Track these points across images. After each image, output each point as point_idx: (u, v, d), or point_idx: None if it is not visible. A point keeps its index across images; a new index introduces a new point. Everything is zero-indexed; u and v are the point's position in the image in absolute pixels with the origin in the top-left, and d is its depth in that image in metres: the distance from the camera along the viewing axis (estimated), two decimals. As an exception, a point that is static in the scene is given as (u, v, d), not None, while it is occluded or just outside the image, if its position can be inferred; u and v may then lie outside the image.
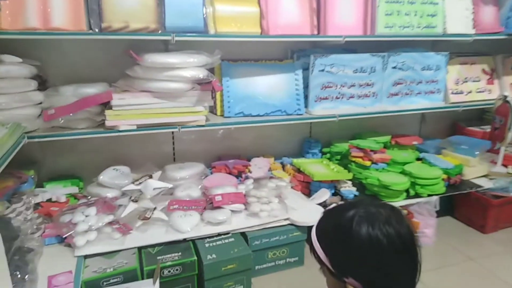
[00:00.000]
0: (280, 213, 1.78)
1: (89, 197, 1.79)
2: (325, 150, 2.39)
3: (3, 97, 1.49)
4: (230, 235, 1.69)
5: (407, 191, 2.05)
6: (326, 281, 0.79)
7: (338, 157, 2.35)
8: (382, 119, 2.27)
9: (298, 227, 1.77)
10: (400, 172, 2.16)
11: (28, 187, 1.64)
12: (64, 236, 1.52)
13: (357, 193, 2.02)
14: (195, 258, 1.53)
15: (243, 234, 1.70)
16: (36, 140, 1.56)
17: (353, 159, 2.17)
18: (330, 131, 2.46)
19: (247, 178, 2.02)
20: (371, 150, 2.14)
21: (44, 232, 1.57)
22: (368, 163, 2.11)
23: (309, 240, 0.80)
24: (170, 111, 1.74)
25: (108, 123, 1.69)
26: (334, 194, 2.02)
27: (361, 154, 2.16)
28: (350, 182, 2.07)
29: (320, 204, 1.90)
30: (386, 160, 2.15)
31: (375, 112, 2.18)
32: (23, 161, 1.82)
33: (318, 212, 1.78)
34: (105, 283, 1.41)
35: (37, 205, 1.68)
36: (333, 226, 0.73)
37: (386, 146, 2.40)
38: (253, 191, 1.83)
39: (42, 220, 1.61)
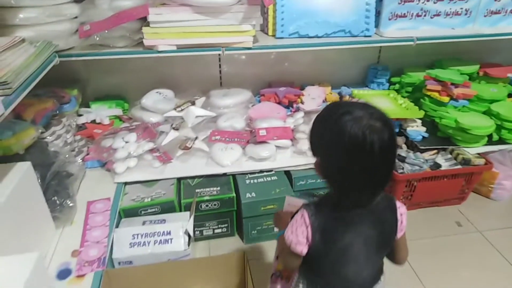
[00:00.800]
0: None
1: (131, 121, 1.73)
2: (394, 79, 2.04)
3: (33, 10, 1.36)
4: (273, 172, 1.56)
5: (489, 135, 1.71)
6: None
7: (409, 89, 2.00)
8: (471, 44, 1.81)
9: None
10: (484, 112, 1.79)
11: (70, 108, 1.61)
12: (104, 161, 1.50)
13: (426, 135, 1.72)
14: (234, 194, 1.45)
15: (287, 173, 1.56)
16: (68, 59, 1.46)
17: (428, 93, 1.82)
18: (403, 57, 2.07)
19: (297, 110, 1.81)
20: (452, 84, 1.77)
21: (87, 154, 1.57)
22: (446, 99, 1.76)
23: None
24: (212, 29, 1.51)
25: (146, 42, 1.52)
26: (398, 134, 1.75)
27: (438, 87, 1.80)
28: (419, 121, 1.76)
29: (379, 145, 1.65)
30: (469, 96, 1.77)
31: (465, 36, 1.74)
32: (68, 79, 1.78)
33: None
34: (142, 212, 1.40)
35: (82, 126, 1.66)
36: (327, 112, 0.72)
37: (471, 77, 1.98)
38: (302, 126, 1.63)
39: (85, 143, 1.60)
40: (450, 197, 1.71)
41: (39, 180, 1.15)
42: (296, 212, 0.78)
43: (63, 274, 1.09)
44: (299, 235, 0.75)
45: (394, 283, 1.36)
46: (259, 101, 1.91)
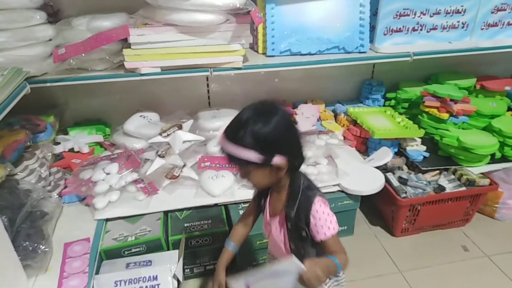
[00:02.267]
0: (329, 177, 1.48)
1: (113, 148, 1.61)
2: (389, 95, 1.96)
3: (2, 34, 1.24)
4: (268, 202, 1.45)
5: (492, 153, 1.63)
6: (252, 181, 0.83)
7: (406, 105, 1.92)
8: (468, 57, 1.75)
9: (350, 195, 1.47)
10: (484, 128, 1.73)
11: (46, 137, 1.49)
12: (83, 196, 1.38)
13: (426, 154, 1.64)
14: (227, 228, 1.33)
15: (283, 202, 1.46)
16: (41, 85, 1.33)
17: (426, 109, 1.75)
18: (398, 72, 2.00)
19: (291, 131, 1.71)
20: (452, 99, 1.70)
21: (64, 188, 1.44)
22: (445, 115, 1.69)
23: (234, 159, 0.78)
24: (199, 50, 1.41)
25: (127, 64, 1.41)
26: (397, 154, 1.66)
27: (437, 103, 1.72)
28: (419, 140, 1.68)
29: (379, 167, 1.56)
30: (469, 112, 1.71)
31: (463, 50, 1.68)
32: (44, 104, 1.65)
33: (376, 178, 1.50)
34: (126, 252, 1.27)
35: (59, 155, 1.53)
36: (242, 124, 0.76)
37: (469, 91, 1.92)
38: (297, 149, 1.53)
39: (62, 175, 1.47)
40: (455, 219, 1.63)
41: (7, 226, 1.02)
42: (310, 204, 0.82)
43: (35, 335, 0.96)
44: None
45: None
46: (250, 122, 1.80)
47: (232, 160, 0.78)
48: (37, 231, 1.15)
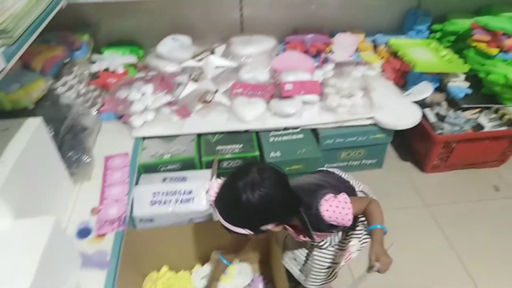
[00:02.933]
0: (362, 110, 1.45)
1: (147, 70, 1.61)
2: (435, 27, 1.82)
3: None
4: (298, 130, 1.45)
5: (541, 94, 1.53)
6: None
7: (452, 38, 1.78)
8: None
9: (383, 129, 1.45)
10: (537, 66, 1.60)
11: (82, 55, 1.50)
12: (120, 114, 1.42)
13: (469, 91, 1.56)
14: (258, 153, 1.36)
15: (313, 131, 1.46)
16: (76, 1, 1.31)
17: (474, 43, 1.62)
18: (447, 1, 1.83)
19: (326, 60, 1.65)
20: (504, 33, 1.56)
21: (101, 106, 1.48)
22: (494, 51, 1.56)
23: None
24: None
25: (161, -20, 1.36)
26: (437, 90, 1.59)
27: (487, 37, 1.59)
28: (462, 76, 1.59)
29: (417, 102, 1.51)
30: (522, 48, 1.57)
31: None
32: (77, 23, 1.65)
33: (413, 112, 1.45)
34: (162, 168, 1.34)
35: (95, 75, 1.56)
36: (231, 206, 0.77)
37: (524, 26, 1.75)
38: (332, 79, 1.49)
39: (99, 93, 1.50)
40: (490, 159, 1.59)
41: (53, 136, 1.08)
42: (321, 218, 0.82)
43: (83, 233, 1.05)
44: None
45: (423, 246, 1.31)
46: (284, 50, 1.75)
47: (226, 229, 0.80)
48: (79, 143, 1.21)
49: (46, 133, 1.03)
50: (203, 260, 1.19)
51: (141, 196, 1.18)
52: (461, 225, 1.38)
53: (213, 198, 0.81)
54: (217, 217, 0.79)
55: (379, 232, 0.79)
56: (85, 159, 1.19)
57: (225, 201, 0.79)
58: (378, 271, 0.75)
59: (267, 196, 0.74)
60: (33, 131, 0.96)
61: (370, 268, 0.76)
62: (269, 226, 0.79)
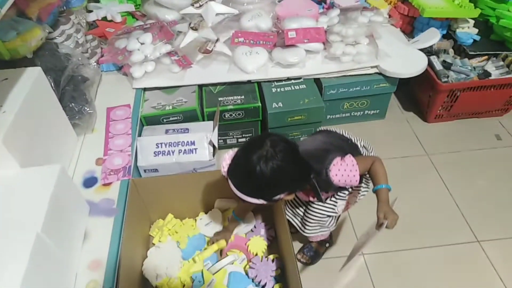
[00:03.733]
0: (367, 58, 1.42)
1: (145, 18, 1.56)
2: (447, -31, 1.72)
3: None
4: (301, 80, 1.43)
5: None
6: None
7: (464, -19, 1.69)
8: None
9: (388, 78, 1.43)
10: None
11: (78, 3, 1.45)
12: (120, 65, 1.40)
13: (477, 38, 1.51)
14: (259, 104, 1.35)
15: (317, 81, 1.43)
16: None
17: (487, -14, 1.54)
18: None
19: (332, 6, 1.58)
20: (520, -25, 1.47)
21: (101, 56, 1.45)
22: (508, -6, 1.49)
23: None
24: None
25: None
26: (445, 37, 1.54)
27: (501, -20, 1.51)
28: (472, 22, 1.53)
29: (423, 49, 1.46)
30: (539, -9, 1.49)
31: None
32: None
33: (419, 60, 1.42)
34: (164, 120, 1.34)
35: (93, 24, 1.52)
36: (245, 178, 0.79)
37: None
38: (337, 26, 1.43)
39: (98, 43, 1.47)
40: (494, 108, 1.57)
41: (53, 86, 1.08)
42: (331, 182, 0.85)
43: (89, 182, 1.08)
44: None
45: (424, 194, 1.33)
46: (288, -4, 1.67)
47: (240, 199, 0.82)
48: (80, 94, 1.21)
49: (46, 83, 1.03)
50: (207, 208, 1.23)
51: (145, 147, 1.20)
52: (461, 173, 1.40)
53: (225, 170, 0.83)
54: (231, 187, 0.81)
55: (385, 191, 0.84)
56: (87, 110, 1.19)
57: (238, 173, 0.80)
58: (387, 227, 0.80)
59: (280, 169, 0.75)
60: (33, 81, 0.95)
61: (379, 226, 0.81)
62: (282, 195, 0.81)
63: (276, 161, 0.75)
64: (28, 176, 0.82)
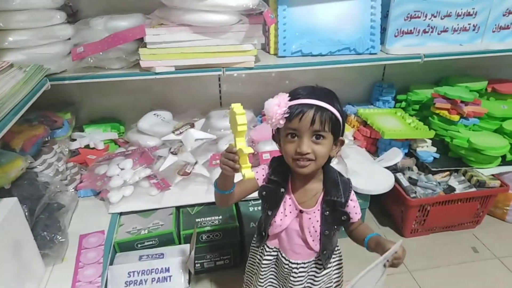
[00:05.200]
0: (338, 176, 1.49)
1: (127, 145, 1.65)
2: (400, 97, 1.97)
3: (24, 33, 1.29)
4: (278, 199, 1.47)
5: (503, 155, 1.63)
6: (319, 151, 0.81)
7: (416, 107, 1.93)
8: (479, 59, 1.75)
9: (360, 194, 1.49)
10: (495, 130, 1.72)
11: (63, 133, 1.53)
12: (98, 190, 1.42)
13: (437, 155, 1.65)
14: (237, 224, 1.36)
15: (293, 199, 1.48)
16: (61, 83, 1.38)
17: (437, 111, 1.75)
18: (408, 74, 2.01)
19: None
20: (462, 101, 1.70)
21: (80, 182, 1.48)
22: (456, 117, 1.69)
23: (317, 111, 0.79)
24: (212, 50, 1.44)
25: (143, 63, 1.45)
26: (407, 155, 1.67)
27: (448, 105, 1.72)
28: (429, 141, 1.69)
29: (389, 167, 1.57)
30: (480, 114, 1.70)
31: (474, 52, 1.68)
32: (61, 102, 1.70)
33: (386, 178, 1.51)
34: (139, 245, 1.30)
35: (75, 151, 1.58)
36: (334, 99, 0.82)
37: (480, 94, 1.92)
38: (308, 148, 1.55)
39: (78, 170, 1.51)
40: (465, 221, 1.63)
41: (27, 216, 1.06)
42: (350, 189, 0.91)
43: (52, 321, 0.99)
44: None
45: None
46: (261, 122, 1.83)
47: (317, 120, 0.78)
48: (54, 222, 1.19)
49: (21, 214, 1.02)
50: None
51: (116, 276, 1.14)
52: (446, 290, 1.37)
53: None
54: (309, 100, 0.79)
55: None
56: (59, 239, 1.16)
57: (319, 90, 0.84)
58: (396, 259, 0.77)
59: (343, 112, 0.83)
60: (7, 212, 0.95)
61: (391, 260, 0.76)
62: (342, 138, 0.84)
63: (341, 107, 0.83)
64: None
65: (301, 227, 0.90)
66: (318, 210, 0.88)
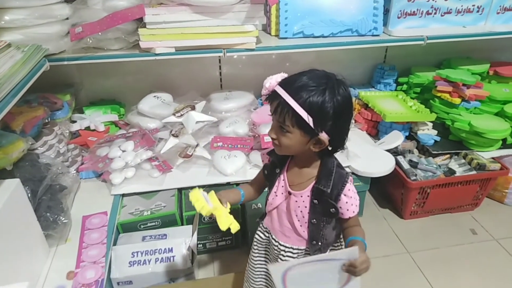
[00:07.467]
0: (339, 159, 1.49)
1: (128, 127, 1.64)
2: (401, 80, 1.96)
3: (21, 12, 1.26)
4: (279, 181, 1.48)
5: (503, 138, 1.64)
6: (284, 142, 0.80)
7: (418, 89, 1.92)
8: (482, 42, 1.74)
9: (360, 177, 1.49)
10: (497, 114, 1.72)
11: (63, 115, 1.52)
12: (100, 172, 1.42)
13: (437, 138, 1.65)
14: (239, 206, 1.36)
15: (294, 182, 1.48)
16: (59, 63, 1.36)
17: (438, 94, 1.74)
18: (410, 56, 1.99)
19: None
20: (464, 84, 1.69)
21: (81, 164, 1.48)
22: (457, 100, 1.68)
23: (280, 101, 0.76)
24: (213, 30, 1.42)
25: (142, 44, 1.43)
26: (408, 138, 1.67)
27: (449, 88, 1.72)
28: (430, 124, 1.68)
29: (389, 150, 1.57)
30: (481, 97, 1.70)
31: (477, 34, 1.66)
32: (60, 83, 1.68)
33: (387, 160, 1.51)
34: (142, 226, 1.31)
35: (75, 133, 1.57)
36: (317, 86, 0.75)
37: (481, 77, 1.91)
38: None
39: (79, 152, 1.51)
40: (464, 203, 1.64)
41: (30, 197, 1.07)
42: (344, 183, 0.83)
43: (57, 299, 1.00)
44: None
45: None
46: (262, 104, 1.82)
47: (280, 112, 0.76)
48: (57, 203, 1.19)
49: (23, 195, 1.02)
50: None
51: (120, 256, 1.15)
52: (444, 270, 1.39)
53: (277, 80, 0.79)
54: (280, 91, 0.75)
55: (362, 244, 0.80)
56: (62, 220, 1.17)
57: (300, 81, 0.76)
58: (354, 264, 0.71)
59: (346, 98, 0.76)
60: (10, 193, 0.95)
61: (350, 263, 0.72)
62: (322, 135, 0.75)
63: (340, 98, 0.74)
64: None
65: (288, 209, 0.89)
66: (308, 196, 0.86)
